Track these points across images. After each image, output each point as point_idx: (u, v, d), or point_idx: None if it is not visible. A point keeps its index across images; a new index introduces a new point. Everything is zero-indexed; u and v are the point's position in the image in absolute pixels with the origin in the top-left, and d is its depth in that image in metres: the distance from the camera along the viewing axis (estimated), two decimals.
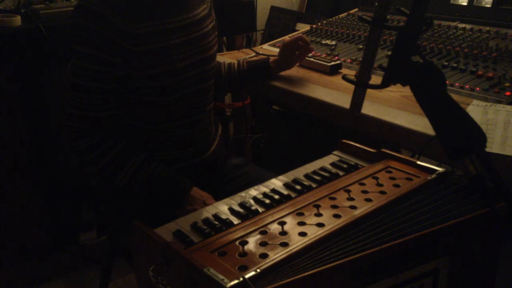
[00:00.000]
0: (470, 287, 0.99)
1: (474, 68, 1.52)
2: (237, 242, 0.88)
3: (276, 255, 0.83)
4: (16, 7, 1.99)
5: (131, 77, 1.28)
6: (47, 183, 2.15)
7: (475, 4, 1.90)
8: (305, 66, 1.75)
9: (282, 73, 1.70)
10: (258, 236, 0.90)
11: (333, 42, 1.91)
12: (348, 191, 1.03)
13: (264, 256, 0.83)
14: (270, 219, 0.95)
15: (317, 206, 0.98)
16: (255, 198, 1.06)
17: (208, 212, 1.03)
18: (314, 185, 1.09)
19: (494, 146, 1.13)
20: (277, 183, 1.12)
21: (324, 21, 2.15)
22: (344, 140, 1.26)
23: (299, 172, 1.16)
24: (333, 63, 1.69)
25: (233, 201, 1.06)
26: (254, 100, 2.61)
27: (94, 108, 1.28)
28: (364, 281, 0.82)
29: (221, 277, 0.76)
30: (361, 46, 1.85)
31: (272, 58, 1.68)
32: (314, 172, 1.15)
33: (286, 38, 1.76)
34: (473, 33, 1.77)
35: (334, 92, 1.52)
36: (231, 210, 1.03)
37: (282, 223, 0.92)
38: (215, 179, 1.50)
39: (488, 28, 1.78)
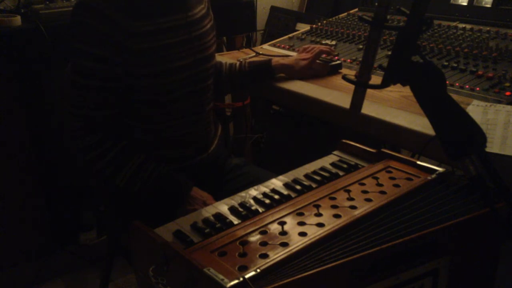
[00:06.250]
0: (470, 287, 0.99)
1: (474, 68, 1.51)
2: (237, 242, 0.88)
3: (276, 255, 0.83)
4: (16, 7, 1.98)
5: (130, 75, 1.28)
6: (47, 183, 2.15)
7: (475, 4, 1.90)
8: None
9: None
10: (258, 236, 0.90)
11: (333, 42, 1.91)
12: (348, 191, 1.03)
13: (264, 256, 0.83)
14: (270, 219, 0.95)
15: (317, 206, 0.98)
16: (255, 198, 1.06)
17: (208, 212, 1.03)
18: (314, 185, 1.09)
19: (494, 146, 1.13)
20: (277, 183, 1.12)
21: (324, 21, 2.15)
22: (344, 140, 1.26)
23: (299, 172, 1.16)
24: (333, 63, 1.69)
25: (233, 201, 1.06)
26: (254, 100, 2.61)
27: (94, 107, 1.28)
28: (364, 281, 0.82)
29: (221, 277, 0.76)
30: (361, 46, 1.85)
31: (281, 61, 1.64)
32: (314, 172, 1.15)
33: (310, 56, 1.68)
34: (473, 33, 1.77)
35: (334, 92, 1.52)
36: (231, 210, 1.03)
37: (282, 223, 0.92)
38: (215, 179, 1.50)
39: (488, 28, 1.78)
